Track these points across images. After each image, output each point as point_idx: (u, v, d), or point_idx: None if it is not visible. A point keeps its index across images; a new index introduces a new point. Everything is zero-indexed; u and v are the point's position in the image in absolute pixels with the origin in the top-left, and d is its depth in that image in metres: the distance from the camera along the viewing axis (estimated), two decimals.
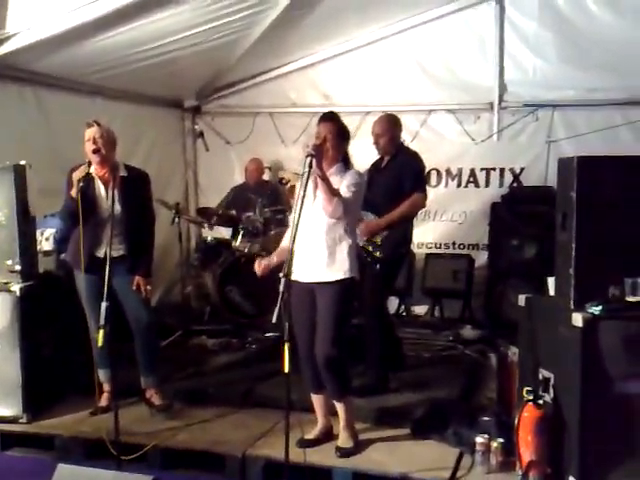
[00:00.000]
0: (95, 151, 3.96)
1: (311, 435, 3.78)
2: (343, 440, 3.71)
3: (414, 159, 4.59)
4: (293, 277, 3.56)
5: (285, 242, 3.77)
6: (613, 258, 3.18)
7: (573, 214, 3.17)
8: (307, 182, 3.41)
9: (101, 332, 3.49)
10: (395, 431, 3.93)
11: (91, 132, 3.99)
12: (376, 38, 6.56)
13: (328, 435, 3.83)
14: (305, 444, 3.64)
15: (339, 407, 3.71)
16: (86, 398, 4.28)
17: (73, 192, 3.90)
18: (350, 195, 3.54)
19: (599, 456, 3.13)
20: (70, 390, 4.45)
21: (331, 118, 3.70)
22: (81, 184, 3.86)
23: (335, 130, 3.64)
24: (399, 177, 4.48)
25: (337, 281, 3.56)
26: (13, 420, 4.12)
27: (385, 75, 6.65)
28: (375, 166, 4.75)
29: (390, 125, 4.63)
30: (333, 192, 3.45)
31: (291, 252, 3.25)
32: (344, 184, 3.56)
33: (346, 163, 3.72)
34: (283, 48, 6.38)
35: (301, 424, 3.53)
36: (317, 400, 3.81)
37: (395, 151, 4.60)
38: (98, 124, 4.02)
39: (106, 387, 4.32)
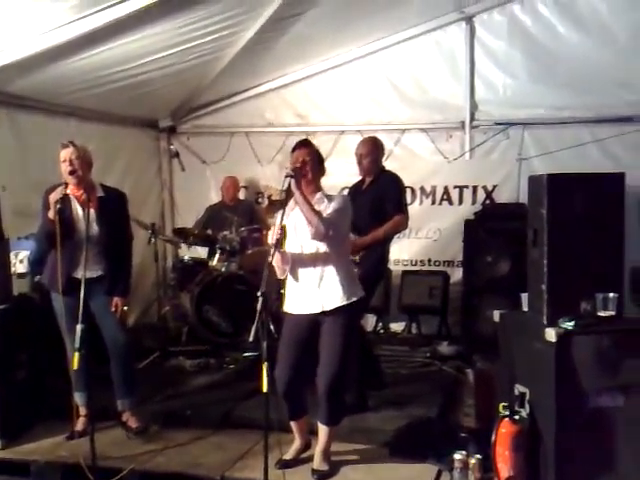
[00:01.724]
0: (71, 172, 3.93)
1: (289, 455, 3.76)
2: (318, 463, 3.69)
3: (395, 181, 4.67)
4: (294, 310, 3.64)
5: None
6: (584, 274, 3.25)
7: (544, 230, 3.23)
8: (287, 204, 3.46)
9: (77, 355, 3.47)
10: (373, 450, 3.94)
11: (67, 153, 3.96)
12: (350, 59, 6.66)
13: (306, 449, 3.82)
14: (284, 465, 3.64)
15: (324, 431, 3.69)
16: (62, 422, 4.22)
17: (50, 214, 3.85)
18: (335, 217, 3.53)
19: (575, 470, 3.17)
20: (46, 414, 4.39)
21: (307, 144, 3.74)
22: (58, 206, 3.83)
23: (312, 154, 3.67)
24: (381, 198, 4.55)
25: (342, 307, 3.57)
26: None
27: (359, 95, 6.75)
28: (356, 187, 4.83)
29: (374, 147, 4.72)
30: (314, 212, 3.46)
31: (268, 267, 3.29)
32: (330, 208, 3.57)
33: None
34: (258, 68, 6.43)
35: (280, 444, 3.52)
36: (296, 425, 3.79)
37: (377, 173, 4.67)
38: (74, 145, 3.99)
39: (82, 411, 4.25)
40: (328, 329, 3.58)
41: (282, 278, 3.61)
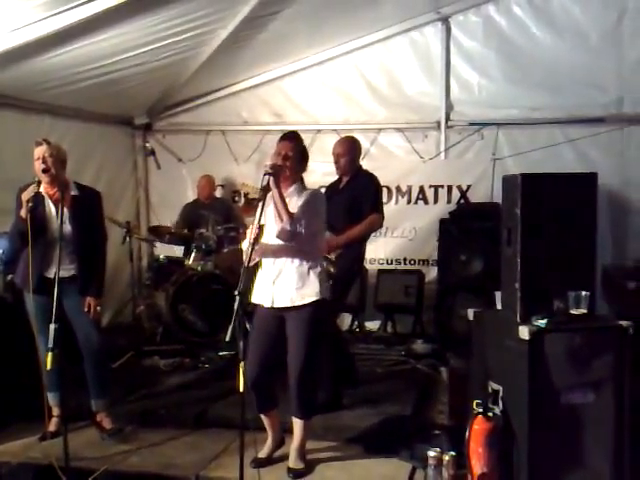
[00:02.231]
0: (45, 170, 3.88)
1: (263, 454, 3.74)
2: (294, 461, 3.69)
3: (372, 180, 4.69)
4: (260, 301, 3.62)
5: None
6: (557, 272, 3.29)
7: (518, 229, 3.27)
8: (264, 201, 3.42)
9: (50, 355, 3.43)
10: (348, 448, 3.95)
11: (40, 151, 3.91)
12: (326, 58, 6.68)
13: (279, 446, 3.81)
14: (259, 464, 3.63)
15: (298, 425, 3.68)
16: (34, 423, 4.16)
17: (22, 212, 3.80)
18: (300, 213, 3.50)
19: (548, 466, 3.21)
20: (18, 415, 4.31)
21: (293, 137, 3.71)
22: (30, 204, 3.78)
23: (296, 150, 3.64)
24: (357, 197, 4.57)
25: (308, 304, 3.56)
26: None
27: (335, 94, 6.77)
28: (333, 186, 4.84)
29: (351, 146, 4.74)
30: (287, 212, 3.44)
31: (249, 272, 3.28)
32: (299, 204, 3.55)
33: (302, 184, 3.73)
34: (234, 67, 6.41)
35: (256, 443, 3.51)
36: (267, 419, 3.77)
37: (354, 172, 4.68)
38: (47, 142, 3.95)
39: (55, 411, 4.21)
40: (290, 324, 3.58)
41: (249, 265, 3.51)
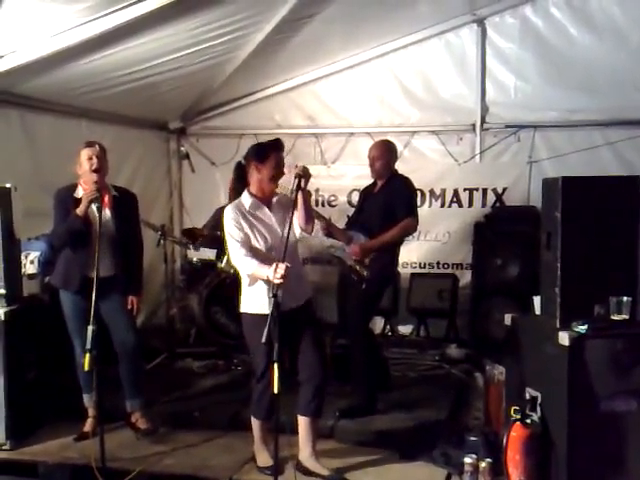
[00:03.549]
0: (96, 170, 3.97)
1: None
2: (307, 458, 3.65)
3: (406, 184, 4.66)
4: (261, 311, 3.53)
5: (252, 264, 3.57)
6: (597, 277, 3.24)
7: (558, 234, 3.21)
8: (295, 202, 3.45)
9: (87, 356, 3.46)
10: (383, 453, 3.92)
11: (92, 151, 4.01)
12: (360, 60, 6.65)
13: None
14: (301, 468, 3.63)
15: (313, 424, 3.64)
16: (71, 423, 4.24)
17: (80, 211, 3.88)
18: None
19: (587, 474, 3.15)
20: (54, 415, 4.38)
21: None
22: (96, 204, 3.82)
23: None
24: (392, 201, 4.55)
25: (311, 300, 3.72)
26: None
27: (369, 97, 6.74)
28: (368, 190, 4.84)
29: (387, 150, 4.73)
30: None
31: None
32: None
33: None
34: (268, 71, 6.42)
35: (291, 446, 3.51)
36: (265, 428, 3.72)
37: (389, 175, 4.67)
38: (99, 144, 4.06)
39: (91, 412, 4.26)
40: (303, 321, 3.62)
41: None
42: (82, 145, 4.09)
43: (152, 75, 5.38)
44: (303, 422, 3.65)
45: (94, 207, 3.93)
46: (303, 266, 3.87)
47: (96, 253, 3.66)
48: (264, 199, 3.66)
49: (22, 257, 4.54)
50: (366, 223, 4.61)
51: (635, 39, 5.80)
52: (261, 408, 3.68)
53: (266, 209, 3.64)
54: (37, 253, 4.67)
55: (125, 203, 4.19)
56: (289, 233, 3.38)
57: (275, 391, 3.15)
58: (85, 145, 4.06)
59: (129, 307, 4.16)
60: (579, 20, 5.98)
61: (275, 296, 3.23)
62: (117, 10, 4.00)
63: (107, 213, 4.02)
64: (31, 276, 4.63)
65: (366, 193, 4.87)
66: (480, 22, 6.28)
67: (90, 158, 3.99)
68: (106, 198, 4.04)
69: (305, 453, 3.66)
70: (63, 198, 4.04)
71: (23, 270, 4.53)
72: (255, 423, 3.75)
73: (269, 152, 3.63)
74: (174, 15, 4.30)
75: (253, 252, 3.53)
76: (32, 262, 4.64)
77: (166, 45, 4.85)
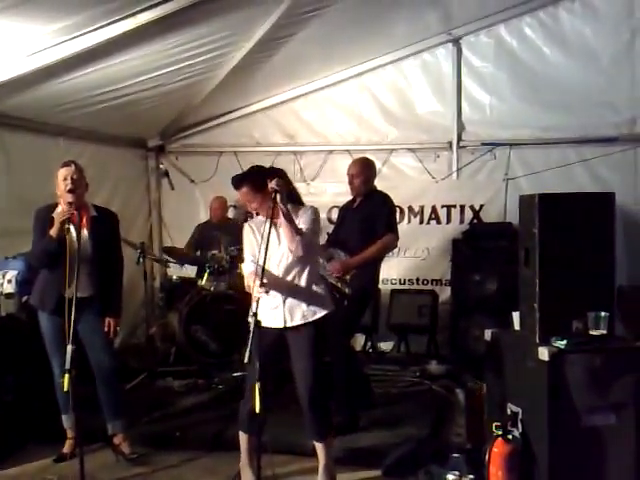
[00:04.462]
0: (71, 190, 3.91)
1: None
2: None
3: (386, 200, 4.70)
4: (270, 324, 3.52)
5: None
6: (575, 292, 3.28)
7: (536, 250, 3.26)
8: (272, 217, 3.40)
9: (67, 376, 3.42)
10: (367, 471, 3.91)
11: (68, 171, 3.95)
12: (338, 80, 6.73)
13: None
14: None
15: (320, 448, 3.63)
16: (50, 445, 4.17)
17: (54, 232, 3.82)
18: (310, 232, 3.52)
19: None
20: (33, 437, 4.32)
21: (238, 185, 3.67)
22: (67, 225, 3.77)
23: (250, 190, 3.59)
24: (371, 218, 4.58)
25: (312, 322, 3.54)
26: None
27: (347, 115, 6.82)
28: (347, 206, 4.86)
29: (366, 167, 4.78)
30: (296, 230, 3.44)
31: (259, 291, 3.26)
32: (302, 222, 3.53)
33: (293, 199, 3.64)
34: (247, 89, 6.46)
35: (273, 466, 3.49)
36: (248, 444, 3.66)
37: (368, 192, 4.70)
38: (75, 164, 4.01)
39: (70, 433, 4.20)
40: (297, 342, 3.54)
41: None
42: (59, 165, 4.05)
43: (131, 93, 5.37)
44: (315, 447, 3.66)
45: (71, 228, 3.91)
46: (315, 283, 3.61)
47: (73, 273, 3.62)
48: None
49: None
50: (346, 240, 4.63)
51: (606, 58, 5.95)
52: (243, 421, 3.63)
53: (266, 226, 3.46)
54: (15, 272, 4.61)
55: (105, 223, 4.13)
56: (267, 248, 3.35)
57: (257, 411, 3.14)
58: (61, 165, 4.01)
59: (106, 329, 4.07)
60: (552, 40, 6.12)
61: (255, 315, 3.22)
62: (95, 29, 4.00)
63: (85, 233, 3.96)
64: (8, 295, 4.58)
65: (345, 210, 4.90)
66: (456, 42, 6.39)
67: (65, 179, 3.94)
68: (84, 218, 3.99)
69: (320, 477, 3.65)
70: (42, 217, 3.99)
71: (0, 289, 4.48)
72: (241, 437, 3.69)
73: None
74: (153, 34, 4.31)
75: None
76: (9, 281, 4.58)
77: (145, 64, 4.85)
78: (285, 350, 3.59)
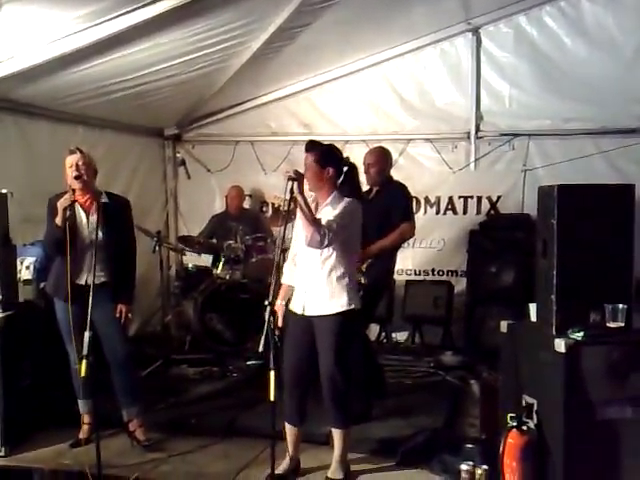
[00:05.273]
0: (77, 177, 3.94)
1: (280, 470, 3.64)
2: (334, 471, 3.67)
3: (402, 190, 4.69)
4: (293, 308, 3.62)
5: (285, 279, 3.77)
6: (593, 284, 3.24)
7: (554, 241, 3.23)
8: (289, 207, 3.40)
9: (84, 362, 3.46)
10: (380, 459, 3.92)
11: (73, 159, 3.98)
12: (355, 69, 6.67)
13: (295, 471, 3.76)
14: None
15: (338, 435, 3.66)
16: (66, 430, 4.22)
17: (58, 220, 3.85)
18: (336, 224, 3.46)
19: None
20: (50, 422, 4.36)
21: (310, 148, 3.66)
22: (68, 212, 3.83)
23: (313, 159, 3.59)
24: (388, 207, 4.57)
25: (337, 313, 3.54)
26: None
27: (364, 105, 6.77)
28: (363, 197, 4.82)
29: (381, 157, 4.75)
30: (312, 220, 3.41)
31: (276, 279, 3.29)
32: (333, 213, 3.53)
33: (346, 188, 3.65)
34: (263, 78, 6.44)
35: (286, 453, 3.50)
36: (293, 432, 3.74)
37: (384, 182, 4.68)
38: (80, 151, 4.02)
39: (86, 419, 4.24)
40: (320, 333, 3.57)
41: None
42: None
43: (148, 82, 5.38)
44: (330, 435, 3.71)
45: (82, 214, 3.93)
46: (339, 278, 3.56)
47: (87, 259, 3.70)
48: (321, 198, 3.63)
49: (18, 263, 4.52)
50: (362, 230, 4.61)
51: (628, 48, 5.86)
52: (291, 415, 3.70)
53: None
54: (32, 259, 4.65)
55: (116, 209, 4.08)
56: (283, 237, 3.37)
57: (271, 398, 3.16)
58: (68, 152, 4.03)
59: (117, 315, 4.07)
60: (573, 30, 6.03)
61: (270, 304, 3.25)
62: (114, 17, 4.01)
63: (94, 220, 3.96)
64: (26, 282, 4.61)
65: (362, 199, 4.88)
66: (475, 31, 6.32)
67: (71, 166, 3.97)
68: (94, 205, 4.00)
69: (331, 467, 3.69)
70: (53, 205, 3.99)
71: (19, 276, 4.52)
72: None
73: None
74: (171, 23, 4.31)
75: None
76: (27, 268, 4.62)
77: (162, 52, 4.85)
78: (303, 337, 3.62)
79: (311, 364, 3.60)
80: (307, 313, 3.58)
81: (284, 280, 3.78)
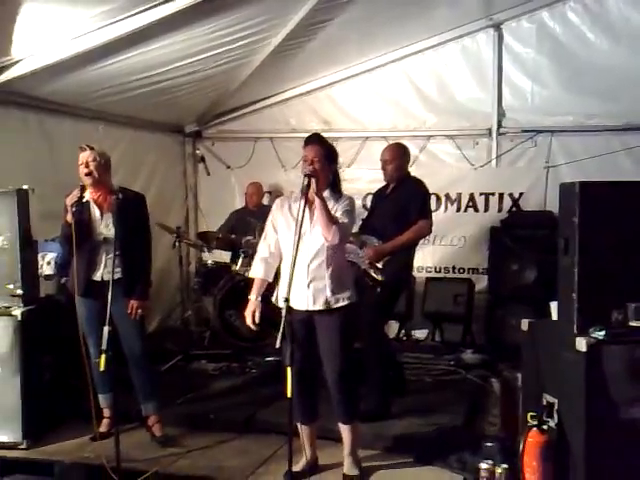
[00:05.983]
0: (87, 174, 3.98)
1: (298, 467, 3.62)
2: (348, 467, 3.66)
3: (419, 186, 4.65)
4: (294, 305, 3.51)
5: (258, 273, 3.73)
6: (616, 283, 3.19)
7: (575, 239, 3.18)
8: (306, 203, 3.41)
9: (103, 357, 3.48)
10: (398, 458, 3.90)
11: (84, 156, 4.02)
12: (375, 65, 6.66)
13: (313, 468, 3.74)
14: (292, 477, 3.45)
15: (346, 431, 3.65)
16: (86, 423, 4.22)
17: (68, 217, 3.89)
18: (347, 221, 3.50)
19: None
20: (70, 415, 4.41)
21: (314, 141, 3.60)
22: (74, 209, 3.86)
23: (321, 152, 3.54)
24: (405, 204, 4.54)
25: (340, 307, 3.53)
26: (13, 446, 4.08)
27: (384, 101, 6.74)
28: (380, 192, 4.82)
29: (399, 153, 4.72)
30: (331, 218, 3.41)
31: (291, 276, 3.27)
32: (339, 210, 3.51)
33: (335, 186, 3.63)
34: (283, 75, 6.45)
35: (303, 450, 3.50)
36: (307, 430, 3.72)
37: (401, 178, 4.65)
38: (91, 148, 4.05)
39: (106, 412, 4.29)
40: (323, 327, 3.54)
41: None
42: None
43: (169, 79, 5.42)
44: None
45: (96, 211, 3.98)
46: (343, 272, 3.59)
47: (102, 255, 3.78)
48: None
49: (39, 258, 4.57)
50: (379, 226, 4.58)
51: None
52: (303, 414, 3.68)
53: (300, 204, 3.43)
54: (54, 254, 4.69)
55: (130, 205, 4.05)
56: (300, 232, 3.33)
57: (288, 395, 3.15)
58: (79, 150, 4.06)
59: (129, 311, 4.07)
60: (597, 25, 5.95)
61: (287, 300, 3.24)
62: (135, 14, 4.05)
63: (108, 216, 4.00)
64: (48, 277, 4.67)
65: (378, 196, 4.86)
66: (497, 27, 6.27)
67: (82, 163, 4.00)
68: (107, 201, 4.02)
69: (344, 463, 3.68)
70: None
71: (40, 271, 4.57)
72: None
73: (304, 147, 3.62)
74: (191, 19, 4.33)
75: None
76: (49, 263, 4.67)
77: (183, 49, 4.88)
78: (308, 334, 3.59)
79: (315, 360, 3.58)
80: (310, 308, 3.54)
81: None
